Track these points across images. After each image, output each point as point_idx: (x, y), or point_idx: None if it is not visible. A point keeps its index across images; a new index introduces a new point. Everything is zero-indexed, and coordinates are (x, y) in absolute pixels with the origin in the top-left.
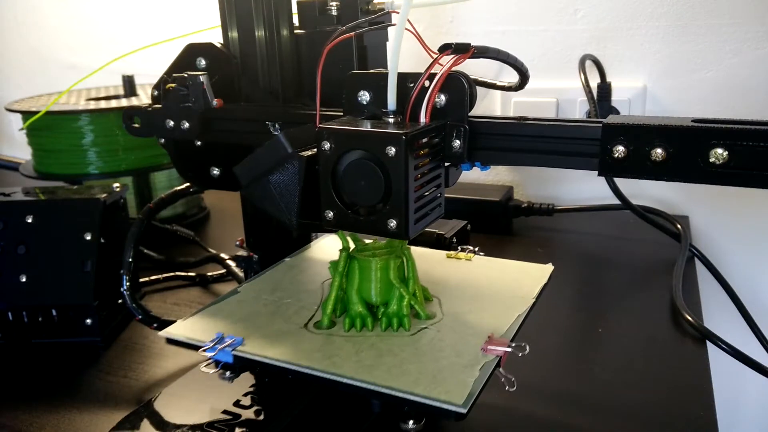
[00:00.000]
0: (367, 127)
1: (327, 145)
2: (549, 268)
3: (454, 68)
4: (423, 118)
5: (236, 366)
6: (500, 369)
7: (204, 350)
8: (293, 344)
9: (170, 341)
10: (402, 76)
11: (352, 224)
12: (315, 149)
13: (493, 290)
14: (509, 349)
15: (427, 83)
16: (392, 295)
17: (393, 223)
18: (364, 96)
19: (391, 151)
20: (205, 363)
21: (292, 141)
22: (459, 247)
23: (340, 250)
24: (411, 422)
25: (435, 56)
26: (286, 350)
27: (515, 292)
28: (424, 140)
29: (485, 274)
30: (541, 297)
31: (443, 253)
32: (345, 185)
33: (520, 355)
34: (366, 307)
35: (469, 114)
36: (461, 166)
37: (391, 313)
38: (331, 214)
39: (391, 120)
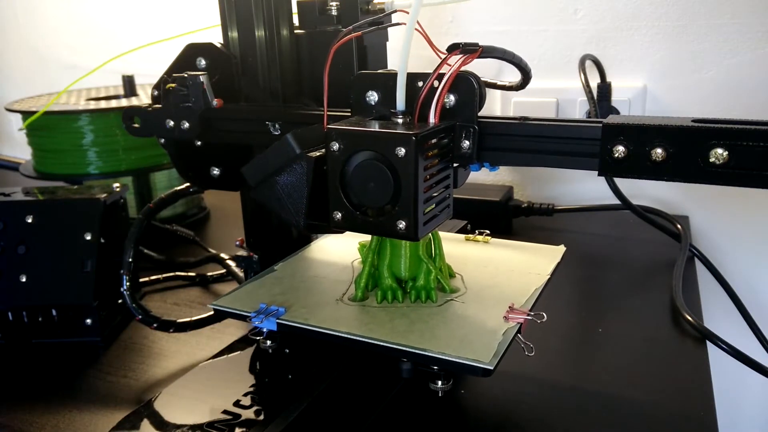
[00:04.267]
0: (376, 127)
1: (336, 146)
2: (561, 249)
3: (462, 68)
4: (432, 119)
5: (278, 335)
6: (520, 335)
7: (251, 319)
8: (331, 314)
9: (218, 312)
10: (411, 77)
11: (360, 225)
12: (323, 150)
13: (510, 267)
14: (529, 317)
15: (436, 83)
16: (420, 270)
17: (402, 225)
18: (373, 96)
19: (401, 151)
20: (251, 332)
21: (300, 142)
22: (476, 231)
23: None
24: (440, 382)
25: (443, 56)
26: (325, 318)
27: (531, 269)
28: (434, 141)
29: (502, 253)
30: (541, 297)
31: (462, 236)
32: (353, 186)
33: (538, 322)
34: (396, 281)
35: (479, 114)
36: (470, 166)
37: (419, 287)
38: (339, 216)
39: (400, 120)
